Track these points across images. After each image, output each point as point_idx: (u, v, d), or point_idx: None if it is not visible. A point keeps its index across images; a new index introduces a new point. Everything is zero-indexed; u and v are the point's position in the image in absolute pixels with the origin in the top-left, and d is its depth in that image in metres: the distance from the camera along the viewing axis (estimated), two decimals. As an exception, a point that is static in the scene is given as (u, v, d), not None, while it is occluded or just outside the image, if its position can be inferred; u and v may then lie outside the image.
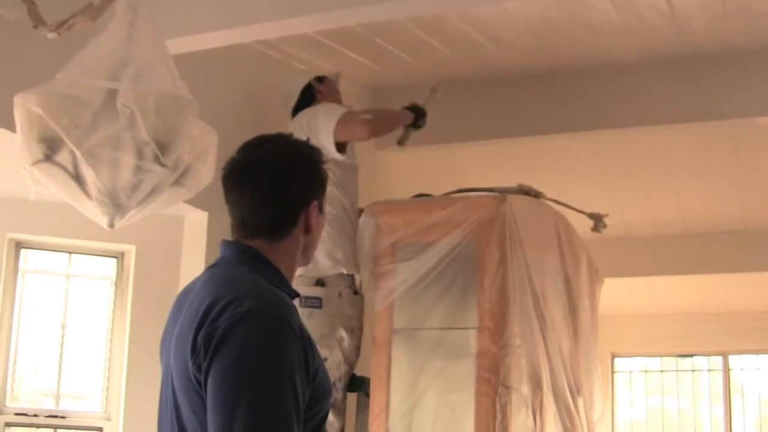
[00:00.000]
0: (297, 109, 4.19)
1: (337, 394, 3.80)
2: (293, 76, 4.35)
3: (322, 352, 3.77)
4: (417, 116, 4.30)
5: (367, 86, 5.30)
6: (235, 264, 2.03)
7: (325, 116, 3.96)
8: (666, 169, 6.09)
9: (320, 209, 2.14)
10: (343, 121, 3.90)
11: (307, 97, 4.20)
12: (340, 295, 3.84)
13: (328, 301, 3.80)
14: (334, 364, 3.79)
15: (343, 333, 3.82)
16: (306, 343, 1.87)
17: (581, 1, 4.20)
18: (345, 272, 3.87)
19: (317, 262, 3.80)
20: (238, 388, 1.75)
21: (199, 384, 1.83)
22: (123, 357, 4.66)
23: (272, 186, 2.07)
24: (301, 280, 3.62)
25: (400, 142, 4.40)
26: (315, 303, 3.75)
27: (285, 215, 2.07)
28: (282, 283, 2.03)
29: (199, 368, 1.83)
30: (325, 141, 3.83)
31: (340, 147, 3.94)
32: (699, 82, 4.80)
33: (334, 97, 4.25)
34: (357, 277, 3.92)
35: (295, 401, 1.78)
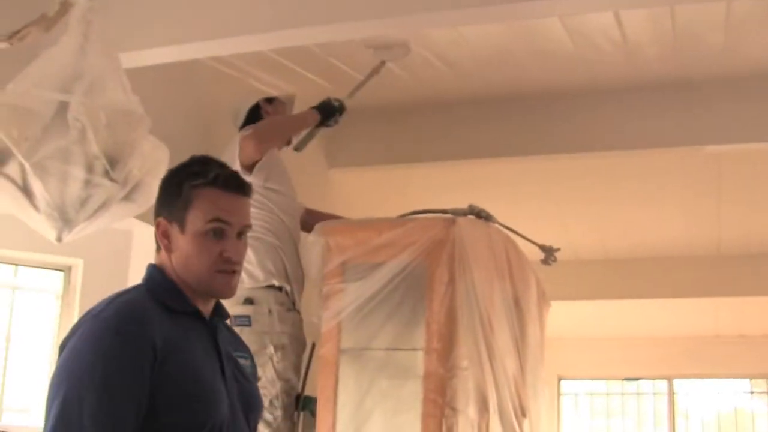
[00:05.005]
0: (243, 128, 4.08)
1: (275, 412, 3.78)
2: (244, 95, 4.26)
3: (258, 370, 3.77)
4: (327, 114, 4.20)
5: (322, 105, 5.29)
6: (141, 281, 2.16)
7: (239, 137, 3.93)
8: (615, 194, 6.15)
9: (182, 229, 2.12)
10: (242, 139, 3.85)
11: (254, 117, 4.10)
12: (269, 312, 3.83)
13: (257, 319, 3.79)
14: (268, 382, 3.76)
15: (272, 350, 3.81)
16: (149, 353, 1.93)
17: (536, 29, 4.24)
18: (276, 284, 3.86)
19: (251, 273, 3.81)
20: (55, 386, 1.94)
21: None
22: (67, 371, 4.60)
23: None
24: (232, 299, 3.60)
25: (297, 148, 4.19)
26: (244, 321, 3.74)
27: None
28: (172, 296, 2.10)
29: None
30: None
31: (251, 166, 3.83)
32: (650, 110, 4.85)
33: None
34: (291, 292, 3.92)
35: (110, 405, 1.88)
